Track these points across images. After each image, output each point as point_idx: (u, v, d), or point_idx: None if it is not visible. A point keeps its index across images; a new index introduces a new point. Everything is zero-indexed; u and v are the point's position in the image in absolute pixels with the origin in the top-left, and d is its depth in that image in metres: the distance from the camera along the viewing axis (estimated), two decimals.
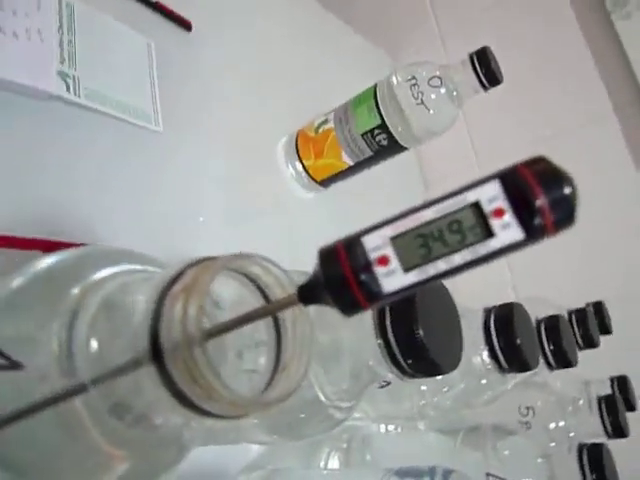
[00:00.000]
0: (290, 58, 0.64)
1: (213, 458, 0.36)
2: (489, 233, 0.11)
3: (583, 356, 0.49)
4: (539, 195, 0.10)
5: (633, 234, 0.70)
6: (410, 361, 0.20)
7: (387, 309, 0.21)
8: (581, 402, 0.49)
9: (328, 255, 0.12)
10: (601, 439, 0.45)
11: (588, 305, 0.53)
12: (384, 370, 0.21)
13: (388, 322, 0.20)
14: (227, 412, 0.12)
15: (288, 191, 0.56)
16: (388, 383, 0.26)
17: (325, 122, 0.54)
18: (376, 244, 0.11)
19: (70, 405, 0.14)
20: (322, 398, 0.20)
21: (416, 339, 0.20)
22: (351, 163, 0.53)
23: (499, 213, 0.11)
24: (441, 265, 0.11)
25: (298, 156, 0.55)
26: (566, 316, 0.49)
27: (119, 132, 0.39)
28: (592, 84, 0.71)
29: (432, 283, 0.11)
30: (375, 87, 0.51)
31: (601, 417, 0.45)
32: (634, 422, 0.50)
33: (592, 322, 0.48)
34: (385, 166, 0.55)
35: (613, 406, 0.44)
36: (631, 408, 0.52)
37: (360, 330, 0.21)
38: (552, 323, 0.38)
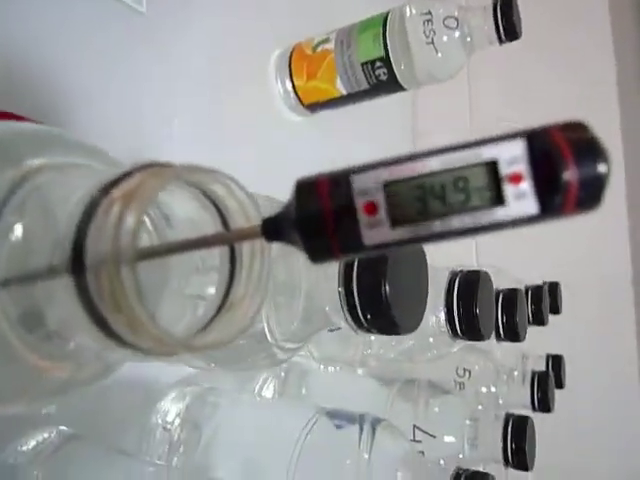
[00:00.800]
0: None
1: (146, 369, 0.36)
2: (499, 200, 0.09)
3: (529, 330, 0.50)
4: (570, 167, 0.09)
5: (603, 219, 0.70)
6: (369, 316, 0.19)
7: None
8: (516, 373, 0.50)
9: (307, 187, 0.10)
10: (527, 410, 0.47)
11: (545, 283, 0.54)
12: (339, 319, 0.20)
13: (355, 271, 0.19)
14: (152, 348, 0.10)
15: (272, 108, 0.52)
16: (338, 328, 0.25)
17: (325, 41, 0.50)
18: (366, 186, 0.09)
19: None
20: (268, 336, 0.19)
21: (381, 295, 0.18)
22: (344, 92, 0.49)
23: (517, 179, 0.09)
24: (435, 226, 0.09)
25: (290, 73, 0.51)
26: (523, 290, 0.49)
27: (97, 5, 0.35)
28: (604, 70, 0.69)
29: (418, 243, 0.10)
30: (387, 15, 0.47)
31: (531, 390, 0.46)
32: (560, 399, 0.52)
33: (545, 301, 0.49)
34: (378, 106, 0.52)
35: (544, 382, 0.46)
36: (560, 386, 0.54)
37: (322, 273, 0.20)
38: (510, 297, 0.38)
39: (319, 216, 0.09)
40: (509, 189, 0.09)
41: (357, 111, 0.53)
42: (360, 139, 0.66)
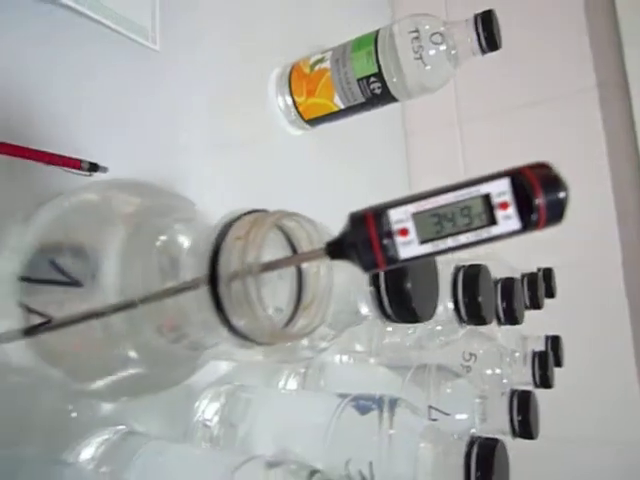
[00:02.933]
0: None
1: None
2: (493, 221, 0.13)
3: (527, 314, 0.54)
4: (539, 195, 0.13)
5: (592, 207, 0.74)
6: (394, 307, 0.23)
7: None
8: (517, 354, 0.54)
9: (358, 220, 0.14)
10: (529, 387, 0.51)
11: (539, 270, 0.58)
12: (368, 313, 0.24)
13: (382, 273, 0.23)
14: (265, 340, 0.14)
15: (274, 123, 0.56)
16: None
17: (321, 61, 0.54)
18: (399, 217, 0.14)
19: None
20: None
21: (403, 290, 0.22)
22: (342, 106, 0.54)
23: (504, 206, 0.13)
24: (449, 242, 0.14)
25: (290, 90, 0.55)
26: (519, 277, 0.53)
27: (112, 45, 0.38)
28: (583, 60, 0.73)
29: (438, 255, 0.14)
30: (377, 33, 0.51)
31: (532, 369, 0.50)
32: (559, 376, 0.56)
33: (540, 286, 0.53)
34: (370, 112, 0.56)
35: (544, 362, 0.50)
36: (559, 364, 0.58)
37: (352, 277, 0.24)
38: (508, 285, 0.42)
39: (369, 239, 0.14)
40: (499, 213, 0.13)
41: (353, 122, 0.57)
42: (357, 149, 0.70)
